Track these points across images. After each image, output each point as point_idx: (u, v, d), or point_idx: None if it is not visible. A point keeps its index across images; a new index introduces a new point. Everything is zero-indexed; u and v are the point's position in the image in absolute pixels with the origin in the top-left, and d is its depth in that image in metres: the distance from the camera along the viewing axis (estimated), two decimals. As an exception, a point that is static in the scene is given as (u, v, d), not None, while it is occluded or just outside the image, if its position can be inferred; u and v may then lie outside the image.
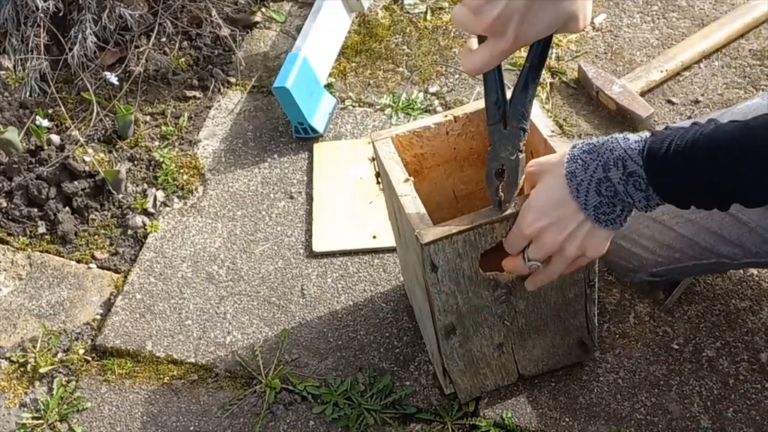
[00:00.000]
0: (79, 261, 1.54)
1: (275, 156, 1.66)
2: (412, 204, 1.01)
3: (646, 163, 0.86)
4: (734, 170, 0.81)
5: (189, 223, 1.57)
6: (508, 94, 0.93)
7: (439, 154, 1.17)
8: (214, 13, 1.85)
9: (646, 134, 0.88)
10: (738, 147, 0.81)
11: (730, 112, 1.18)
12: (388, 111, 1.70)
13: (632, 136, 0.89)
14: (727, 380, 1.26)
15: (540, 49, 0.89)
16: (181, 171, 1.65)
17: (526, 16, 0.81)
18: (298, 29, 1.87)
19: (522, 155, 0.94)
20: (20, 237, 1.58)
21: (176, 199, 1.61)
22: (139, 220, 1.58)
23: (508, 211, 0.97)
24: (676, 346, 1.30)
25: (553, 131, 1.06)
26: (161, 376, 1.37)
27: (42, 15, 1.79)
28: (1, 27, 1.83)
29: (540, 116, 1.09)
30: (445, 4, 1.88)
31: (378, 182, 1.17)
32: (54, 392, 1.36)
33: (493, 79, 0.92)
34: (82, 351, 1.41)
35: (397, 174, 1.05)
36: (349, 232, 1.50)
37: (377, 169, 1.15)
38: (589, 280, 1.12)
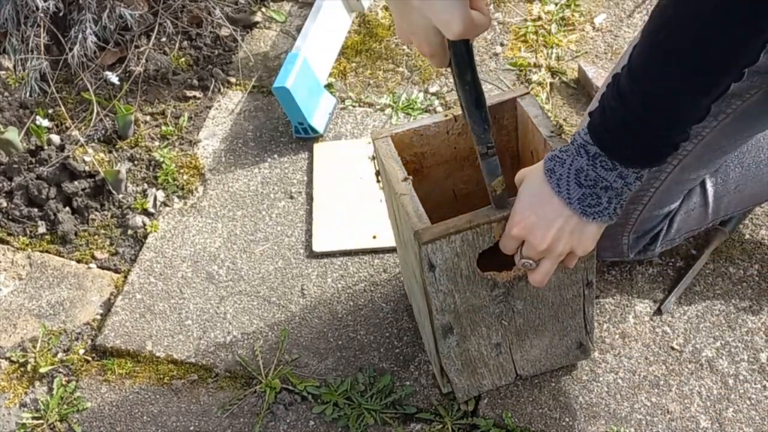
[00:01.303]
0: (79, 261, 1.54)
1: (275, 156, 1.66)
2: (411, 203, 1.01)
3: (594, 138, 0.88)
4: (651, 94, 0.82)
5: (189, 223, 1.57)
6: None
7: (440, 153, 1.17)
8: (217, 12, 1.85)
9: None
10: (640, 70, 0.82)
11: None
12: (388, 111, 1.70)
13: (585, 122, 0.91)
14: (727, 380, 1.26)
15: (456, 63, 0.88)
16: (181, 171, 1.65)
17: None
18: (298, 29, 1.87)
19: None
20: (20, 237, 1.58)
21: (176, 199, 1.61)
22: (139, 220, 1.58)
23: (507, 211, 0.97)
24: (676, 346, 1.30)
25: (552, 132, 1.06)
26: (161, 376, 1.37)
27: (42, 15, 1.79)
28: (1, 27, 1.83)
29: (540, 117, 1.09)
30: (445, 4, 1.88)
31: (378, 181, 1.17)
32: (54, 392, 1.36)
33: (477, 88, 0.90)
34: (82, 351, 1.41)
35: (397, 173, 1.05)
36: (349, 232, 1.50)
37: (377, 168, 1.15)
38: (587, 281, 1.12)
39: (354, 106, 1.72)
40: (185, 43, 1.86)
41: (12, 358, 1.41)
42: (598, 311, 1.34)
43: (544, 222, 0.92)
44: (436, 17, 0.81)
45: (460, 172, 1.21)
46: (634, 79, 0.83)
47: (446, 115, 1.13)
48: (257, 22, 1.92)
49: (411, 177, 1.05)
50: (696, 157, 1.16)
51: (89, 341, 1.43)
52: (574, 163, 0.90)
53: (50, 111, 1.78)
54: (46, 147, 1.67)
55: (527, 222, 0.93)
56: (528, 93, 1.12)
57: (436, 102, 1.70)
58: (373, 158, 1.16)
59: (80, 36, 1.77)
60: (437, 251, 0.98)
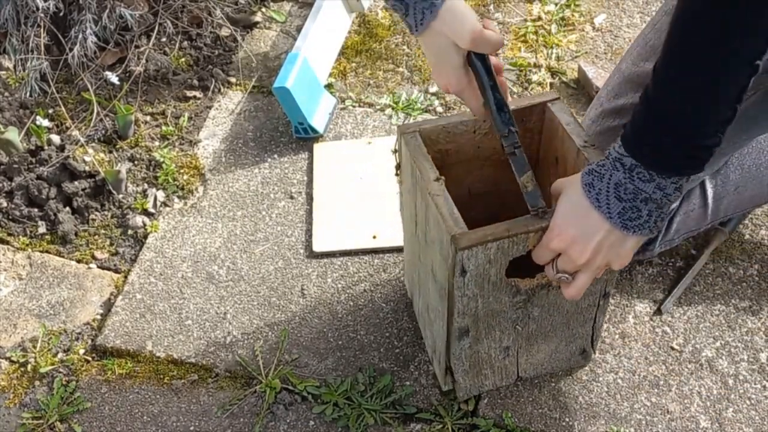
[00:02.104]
0: (79, 261, 1.54)
1: (275, 156, 1.66)
2: (445, 205, 1.00)
3: (630, 151, 0.88)
4: (677, 100, 0.84)
5: (189, 223, 1.57)
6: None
7: (463, 151, 1.15)
8: (217, 12, 1.85)
9: None
10: (664, 79, 0.84)
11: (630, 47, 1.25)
12: (388, 111, 1.70)
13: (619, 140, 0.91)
14: (727, 380, 1.26)
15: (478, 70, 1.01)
16: (182, 171, 1.65)
17: None
18: (298, 29, 1.87)
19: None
20: (20, 237, 1.58)
21: (176, 199, 1.61)
22: (139, 220, 1.58)
23: (545, 222, 0.97)
24: (675, 346, 1.30)
25: (586, 141, 1.05)
26: (161, 376, 1.37)
27: (42, 15, 1.79)
28: (1, 27, 1.83)
29: (572, 124, 1.07)
30: (445, 4, 1.88)
31: (397, 174, 1.16)
32: (54, 392, 1.36)
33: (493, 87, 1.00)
34: (82, 351, 1.41)
35: (428, 172, 1.04)
36: (349, 232, 1.50)
37: (398, 161, 1.14)
38: (604, 292, 1.12)
39: (354, 106, 1.72)
40: (185, 43, 1.86)
41: (12, 358, 1.41)
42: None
43: (584, 236, 0.92)
44: (451, 30, 0.97)
45: (479, 171, 1.19)
46: (659, 84, 0.84)
47: (474, 115, 1.12)
48: (257, 22, 1.92)
49: (443, 177, 1.03)
50: None
51: (89, 341, 1.43)
52: (613, 177, 0.90)
53: (50, 111, 1.78)
54: (46, 147, 1.67)
55: (567, 235, 0.93)
56: (558, 98, 1.11)
57: (436, 102, 1.70)
58: (395, 151, 1.14)
59: (80, 36, 1.77)
60: (471, 257, 0.97)
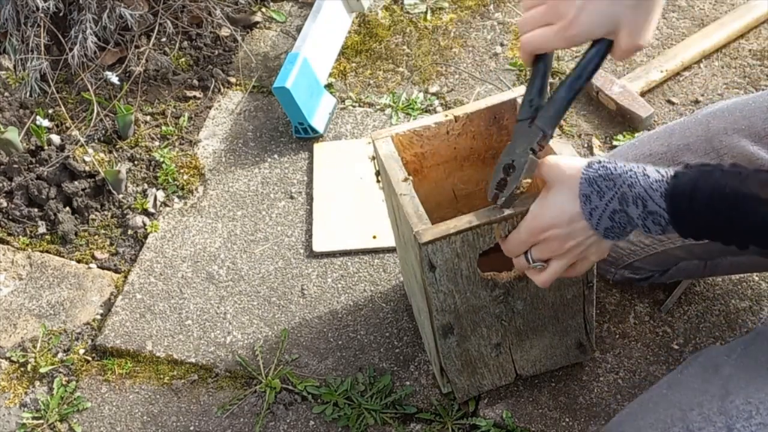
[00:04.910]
0: (79, 261, 1.54)
1: (275, 156, 1.66)
2: (411, 203, 1.01)
3: (669, 208, 0.86)
4: (758, 221, 0.82)
5: (189, 223, 1.57)
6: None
7: (440, 153, 1.17)
8: (217, 12, 1.85)
9: (665, 172, 0.87)
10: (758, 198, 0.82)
11: (725, 105, 1.19)
12: (388, 111, 1.70)
13: (652, 173, 0.87)
14: (727, 380, 1.26)
15: (586, 61, 0.91)
16: (181, 171, 1.65)
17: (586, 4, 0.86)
18: (298, 29, 1.87)
19: (533, 158, 0.94)
20: (20, 237, 1.58)
21: (176, 199, 1.61)
22: (139, 220, 1.58)
23: (507, 212, 0.97)
24: (676, 346, 1.30)
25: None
26: (161, 376, 1.37)
27: (42, 15, 1.79)
28: (1, 27, 1.83)
29: None
30: (445, 4, 1.88)
31: (378, 181, 1.17)
32: (54, 392, 1.36)
33: (538, 76, 0.94)
34: (82, 351, 1.41)
35: (397, 173, 1.06)
36: (349, 232, 1.50)
37: (377, 168, 1.15)
38: (587, 282, 1.12)
39: (354, 106, 1.72)
40: (185, 43, 1.86)
41: (12, 358, 1.41)
42: (598, 311, 1.34)
43: (568, 236, 0.93)
44: (617, 17, 0.87)
45: (459, 172, 1.21)
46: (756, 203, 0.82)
47: (446, 116, 1.13)
48: (257, 22, 1.92)
49: (411, 177, 1.05)
50: None
51: (89, 341, 1.43)
52: (613, 203, 0.89)
53: (50, 111, 1.78)
54: (46, 147, 1.67)
55: (551, 233, 0.93)
56: None
57: (436, 102, 1.70)
58: (373, 158, 1.16)
59: (80, 36, 1.77)
60: (437, 252, 0.98)
